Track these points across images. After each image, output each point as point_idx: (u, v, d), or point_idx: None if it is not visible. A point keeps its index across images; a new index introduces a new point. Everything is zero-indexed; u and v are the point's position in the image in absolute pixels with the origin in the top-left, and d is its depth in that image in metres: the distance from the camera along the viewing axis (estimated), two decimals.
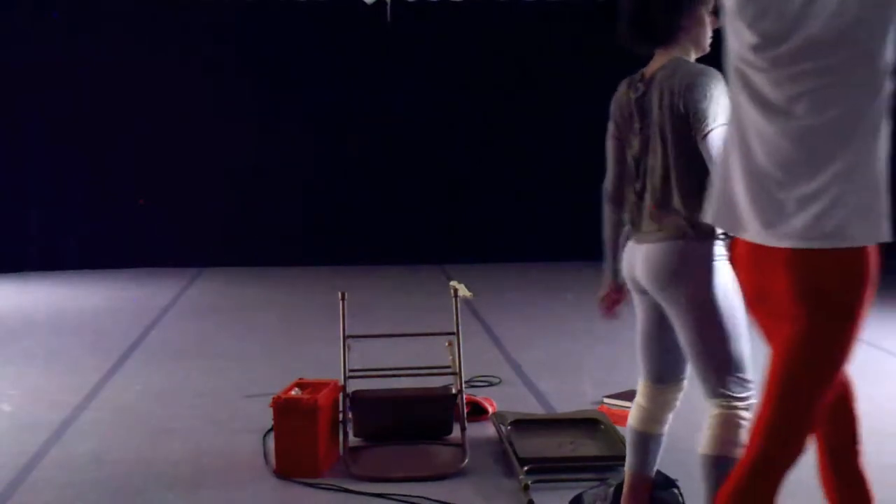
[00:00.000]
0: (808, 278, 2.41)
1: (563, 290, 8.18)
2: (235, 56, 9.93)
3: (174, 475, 4.25)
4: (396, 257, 9.97)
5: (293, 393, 4.34)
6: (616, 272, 3.37)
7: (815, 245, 2.38)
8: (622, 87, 3.29)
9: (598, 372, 5.93)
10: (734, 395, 3.18)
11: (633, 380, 5.59)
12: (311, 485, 4.10)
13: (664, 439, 3.42)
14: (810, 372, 2.48)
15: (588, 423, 4.69)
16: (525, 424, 4.59)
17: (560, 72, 9.76)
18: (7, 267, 9.78)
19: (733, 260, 2.65)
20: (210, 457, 4.46)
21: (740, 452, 2.97)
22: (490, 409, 4.91)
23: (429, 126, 10.07)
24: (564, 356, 6.35)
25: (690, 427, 4.87)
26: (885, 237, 2.40)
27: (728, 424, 3.17)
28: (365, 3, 9.77)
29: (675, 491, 3.65)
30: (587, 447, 4.43)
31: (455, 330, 4.58)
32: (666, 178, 3.10)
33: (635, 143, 3.21)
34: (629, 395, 5.26)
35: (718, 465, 3.13)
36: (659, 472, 3.57)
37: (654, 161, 3.13)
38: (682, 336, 3.16)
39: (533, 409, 5.12)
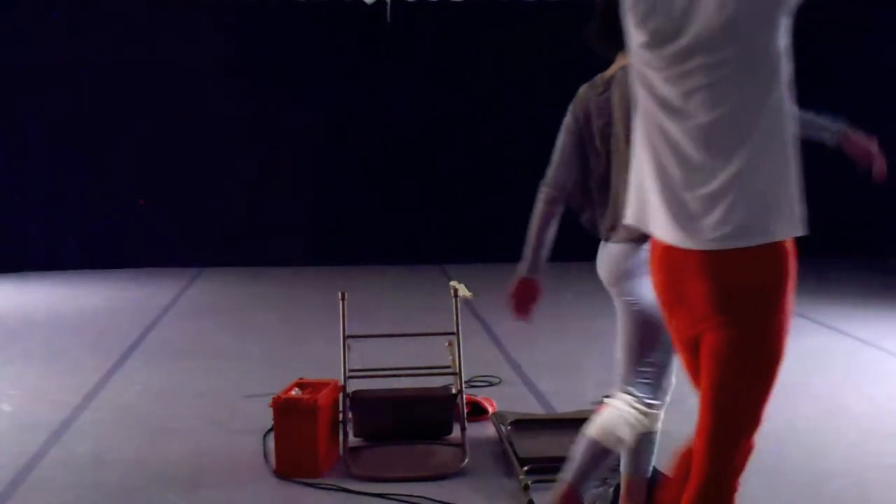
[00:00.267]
0: (723, 281, 2.36)
1: (563, 290, 8.18)
2: (235, 56, 9.93)
3: (174, 475, 4.25)
4: (396, 257, 9.97)
5: (293, 393, 4.34)
6: (533, 267, 3.34)
7: (725, 246, 2.33)
8: (582, 89, 3.32)
9: (598, 372, 5.92)
10: (645, 399, 3.24)
11: None
12: (311, 485, 4.10)
13: (657, 437, 3.42)
14: (749, 378, 2.44)
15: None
16: (525, 424, 4.59)
17: (560, 72, 9.75)
18: (7, 267, 9.78)
19: (651, 261, 2.57)
20: (210, 457, 4.46)
21: (616, 445, 3.15)
22: (490, 409, 4.91)
23: (429, 126, 10.06)
24: (564, 356, 6.35)
25: (691, 426, 4.87)
26: (798, 231, 2.35)
27: (621, 421, 3.23)
28: (365, 3, 9.76)
29: None
30: None
31: (455, 330, 4.58)
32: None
33: (600, 145, 3.23)
34: None
35: (596, 450, 3.23)
36: (657, 470, 3.58)
37: (619, 160, 3.15)
38: (620, 335, 3.22)
39: (533, 409, 5.12)
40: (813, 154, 10.29)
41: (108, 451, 4.56)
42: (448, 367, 4.65)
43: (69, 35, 9.82)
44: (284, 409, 4.21)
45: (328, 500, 4.01)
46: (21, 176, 9.99)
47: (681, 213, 2.37)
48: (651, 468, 3.46)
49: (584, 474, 3.27)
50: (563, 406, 5.15)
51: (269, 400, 4.32)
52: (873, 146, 2.81)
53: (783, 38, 2.31)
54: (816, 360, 6.22)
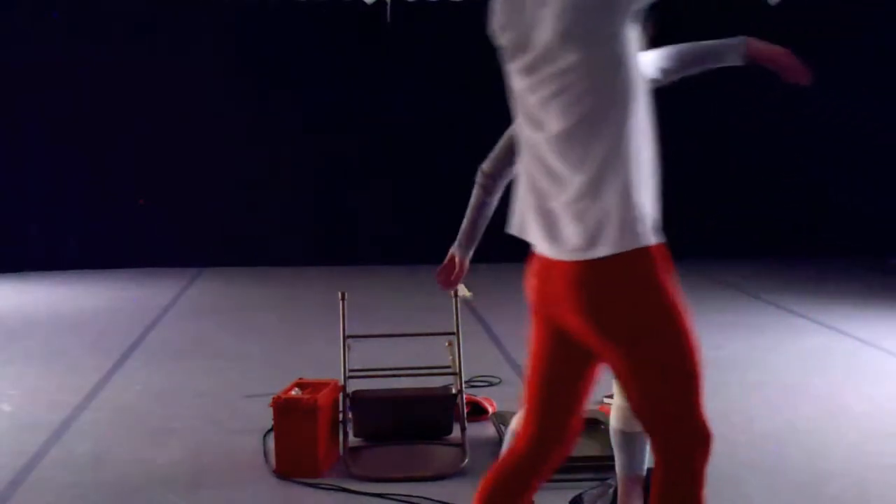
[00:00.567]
0: (589, 291, 2.34)
1: None
2: (235, 56, 9.93)
3: (174, 475, 4.25)
4: (396, 257, 9.97)
5: (293, 393, 4.34)
6: (459, 246, 3.40)
7: (583, 256, 2.33)
8: None
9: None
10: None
11: None
12: (311, 485, 4.10)
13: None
14: (657, 387, 2.41)
15: (588, 423, 4.67)
16: None
17: None
18: (7, 267, 9.78)
19: (529, 271, 2.55)
20: (210, 457, 4.46)
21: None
22: (490, 409, 4.91)
23: (429, 126, 10.07)
24: None
25: None
26: (650, 240, 2.35)
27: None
28: (365, 3, 9.76)
29: None
30: (587, 447, 4.41)
31: (455, 330, 4.58)
32: None
33: None
34: None
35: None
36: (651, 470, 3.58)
37: None
38: None
39: None
40: (813, 154, 10.26)
41: (108, 451, 4.56)
42: (448, 367, 4.65)
43: (69, 35, 9.83)
44: (284, 409, 4.21)
45: (328, 500, 4.01)
46: (21, 176, 9.99)
47: (547, 223, 2.40)
48: (646, 467, 3.46)
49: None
50: None
51: (269, 400, 4.32)
52: (784, 50, 2.73)
53: (629, 47, 2.31)
54: (816, 360, 6.22)
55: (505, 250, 3.94)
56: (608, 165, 2.31)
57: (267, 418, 4.44)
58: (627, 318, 2.35)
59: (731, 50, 2.89)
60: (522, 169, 2.48)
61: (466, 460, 4.27)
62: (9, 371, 6.09)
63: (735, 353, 6.42)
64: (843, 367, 6.06)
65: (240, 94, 9.96)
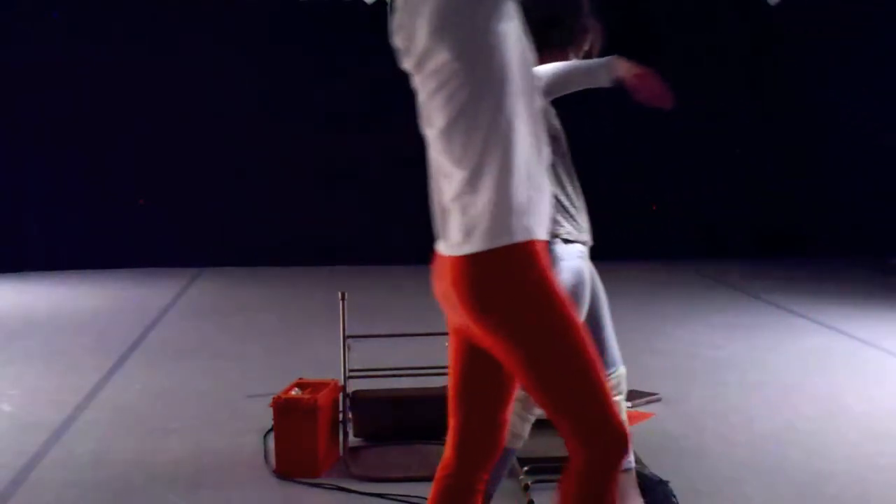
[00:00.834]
0: (466, 285, 2.38)
1: None
2: (235, 56, 9.94)
3: (174, 475, 4.25)
4: (396, 257, 9.97)
5: (293, 393, 4.34)
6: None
7: (460, 251, 2.37)
8: None
9: None
10: None
11: (633, 380, 5.60)
12: (311, 485, 4.10)
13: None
14: (543, 378, 2.39)
15: None
16: None
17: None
18: (7, 267, 9.79)
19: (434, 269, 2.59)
20: (210, 457, 4.46)
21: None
22: None
23: None
24: None
25: (690, 426, 4.88)
26: (528, 236, 2.35)
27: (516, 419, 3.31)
28: (365, 3, 9.76)
29: (667, 489, 3.67)
30: None
31: None
32: None
33: None
34: (629, 395, 5.27)
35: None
36: (648, 472, 3.60)
37: None
38: None
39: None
40: (813, 155, 10.26)
41: (108, 451, 4.56)
42: (448, 367, 4.64)
43: (69, 35, 9.83)
44: (284, 409, 4.21)
45: (328, 500, 4.01)
46: (21, 176, 10.00)
47: (442, 221, 2.47)
48: (633, 461, 3.47)
49: (490, 479, 3.31)
50: None
51: (269, 400, 4.32)
52: (649, 72, 2.70)
53: (503, 42, 2.33)
54: (816, 360, 6.22)
55: None
56: (485, 160, 2.35)
57: (267, 418, 4.44)
58: (505, 315, 2.35)
59: (602, 69, 2.82)
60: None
61: None
62: (9, 371, 6.09)
63: (735, 353, 6.42)
64: (843, 367, 6.06)
65: (240, 94, 9.96)
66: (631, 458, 3.45)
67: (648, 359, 6.24)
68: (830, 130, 10.39)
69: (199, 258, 10.13)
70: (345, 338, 4.47)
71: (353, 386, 4.53)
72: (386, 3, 10.80)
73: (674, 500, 3.65)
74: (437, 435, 4.56)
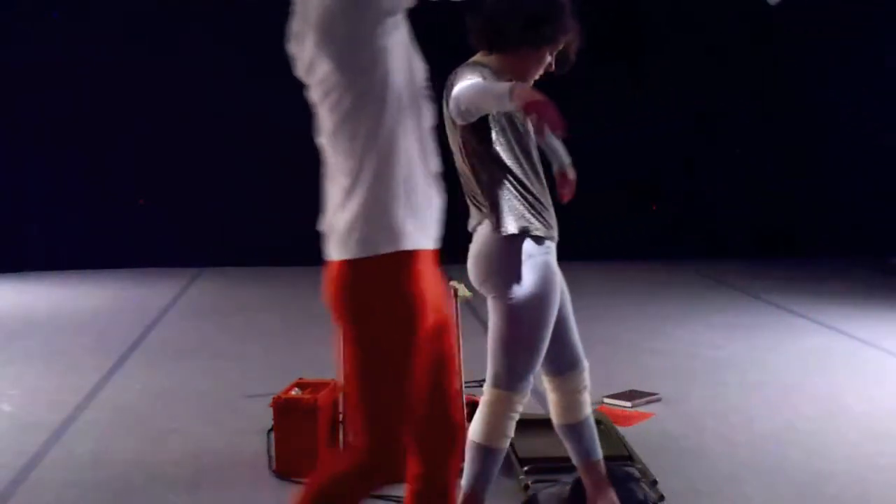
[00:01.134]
0: (334, 288, 2.47)
1: None
2: (235, 56, 9.93)
3: (174, 475, 4.25)
4: None
5: (293, 393, 4.34)
6: (556, 161, 3.66)
7: (335, 256, 2.46)
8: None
9: (598, 372, 5.92)
10: (497, 390, 3.28)
11: (633, 380, 5.61)
12: None
13: (591, 420, 3.49)
14: (373, 385, 2.46)
15: None
16: (525, 424, 4.57)
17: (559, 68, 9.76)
18: (7, 267, 9.79)
19: None
20: (210, 457, 4.46)
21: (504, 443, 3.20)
22: None
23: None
24: None
25: (690, 426, 4.88)
26: (405, 245, 2.42)
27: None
28: None
29: (636, 485, 3.75)
30: None
31: (455, 330, 4.57)
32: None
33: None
34: (629, 395, 5.28)
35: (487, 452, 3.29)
36: (617, 467, 3.63)
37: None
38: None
39: (533, 409, 5.11)
40: (813, 155, 10.26)
41: (108, 451, 4.56)
42: None
43: (69, 35, 9.83)
44: (284, 409, 4.21)
45: None
46: (21, 176, 10.00)
47: (329, 224, 2.53)
48: (600, 451, 3.51)
49: (480, 478, 3.30)
50: None
51: (270, 400, 4.32)
52: (545, 100, 2.68)
53: (386, 54, 2.40)
54: (816, 360, 6.22)
55: None
56: (363, 170, 2.42)
57: (267, 418, 4.44)
58: (358, 317, 2.44)
59: (505, 96, 2.81)
60: None
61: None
62: (9, 371, 6.09)
63: (735, 353, 6.42)
64: (843, 367, 6.06)
65: (240, 94, 9.96)
66: (595, 447, 3.50)
67: (648, 359, 6.25)
68: (830, 130, 10.39)
69: (199, 258, 10.13)
70: None
71: None
72: None
73: (643, 493, 3.70)
74: None
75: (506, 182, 3.13)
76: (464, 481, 3.33)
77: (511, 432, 3.30)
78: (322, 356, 5.38)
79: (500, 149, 3.16)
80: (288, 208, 10.20)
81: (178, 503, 3.96)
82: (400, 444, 2.49)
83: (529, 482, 3.90)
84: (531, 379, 3.29)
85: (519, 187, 3.17)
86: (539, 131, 2.71)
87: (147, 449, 4.58)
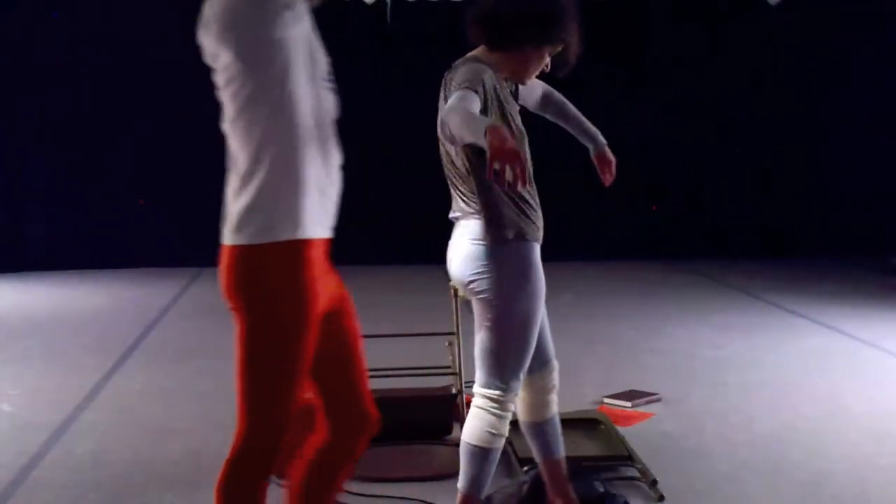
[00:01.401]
0: (228, 273, 2.53)
1: (563, 290, 8.18)
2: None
3: (174, 475, 4.25)
4: (396, 257, 9.97)
5: None
6: (590, 143, 3.72)
7: (227, 241, 2.52)
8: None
9: (598, 372, 5.92)
10: (490, 390, 3.29)
11: (633, 380, 5.61)
12: None
13: (557, 419, 3.53)
14: (254, 370, 2.58)
15: (588, 423, 4.69)
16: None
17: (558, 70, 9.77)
18: (7, 267, 9.78)
19: None
20: (210, 457, 4.45)
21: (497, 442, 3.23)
22: None
23: (429, 126, 10.03)
24: (564, 356, 6.31)
25: (690, 426, 4.88)
26: (297, 235, 2.50)
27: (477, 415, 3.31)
28: (365, 3, 9.76)
29: (596, 480, 3.81)
30: (587, 447, 4.42)
31: (455, 330, 4.58)
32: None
33: None
34: (629, 395, 5.28)
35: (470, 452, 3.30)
36: (577, 463, 3.75)
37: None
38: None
39: None
40: (814, 155, 10.26)
41: (108, 451, 4.56)
42: (448, 367, 4.65)
43: (69, 35, 9.82)
44: None
45: None
46: (21, 176, 9.99)
47: (226, 209, 2.58)
48: (562, 449, 3.53)
49: (476, 480, 3.30)
50: (563, 406, 5.12)
51: None
52: (513, 151, 2.66)
53: (285, 49, 2.47)
54: (816, 360, 6.22)
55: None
56: (259, 159, 2.48)
57: None
58: (247, 303, 2.51)
59: (480, 133, 2.77)
60: None
61: None
62: (9, 371, 6.09)
63: (735, 353, 6.42)
64: (843, 367, 6.06)
65: None
66: (558, 446, 3.52)
67: (648, 359, 6.25)
68: (830, 130, 10.39)
69: (199, 258, 10.10)
70: None
71: None
72: (386, 3, 10.86)
73: (602, 489, 3.75)
74: (437, 435, 4.58)
75: (499, 187, 3.12)
76: (460, 483, 3.33)
77: (505, 432, 3.30)
78: None
79: None
80: None
81: (177, 503, 3.96)
82: (277, 428, 2.63)
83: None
84: (521, 378, 3.30)
85: (512, 192, 3.17)
86: (500, 182, 2.70)
87: (147, 449, 4.58)
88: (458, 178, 3.29)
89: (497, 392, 3.26)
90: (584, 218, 9.84)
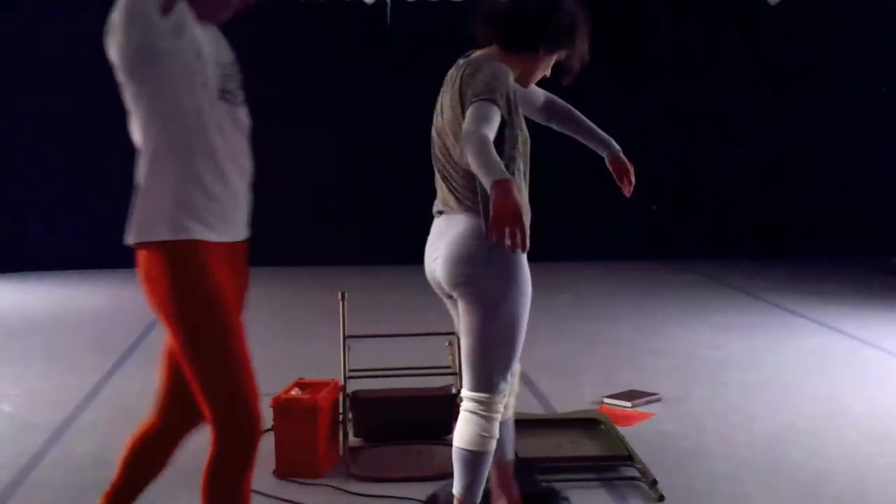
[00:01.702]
0: (142, 274, 2.72)
1: (563, 290, 8.18)
2: (235, 56, 9.92)
3: (174, 475, 4.24)
4: (396, 257, 9.96)
5: (293, 393, 4.34)
6: (604, 149, 3.67)
7: (127, 241, 2.70)
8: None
9: (598, 372, 5.93)
10: (480, 393, 3.26)
11: (633, 380, 5.61)
12: (310, 485, 4.09)
13: (512, 422, 3.54)
14: (196, 362, 2.79)
15: (588, 423, 4.69)
16: (525, 424, 4.59)
17: (559, 71, 9.76)
18: (7, 267, 9.78)
19: None
20: None
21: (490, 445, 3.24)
22: None
23: (428, 126, 10.03)
24: (564, 356, 6.34)
25: (690, 426, 4.88)
26: (192, 235, 2.62)
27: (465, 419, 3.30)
28: (365, 3, 9.76)
29: (539, 479, 3.86)
30: (587, 447, 4.43)
31: (455, 330, 4.57)
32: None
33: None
34: (629, 395, 5.28)
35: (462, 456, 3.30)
36: (522, 464, 3.75)
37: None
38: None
39: (533, 409, 5.12)
40: (814, 155, 10.26)
41: (108, 451, 4.55)
42: (448, 367, 4.65)
43: (69, 35, 9.82)
44: (284, 409, 4.21)
45: (328, 500, 4.01)
46: (21, 176, 9.99)
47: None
48: (512, 453, 3.55)
49: (472, 484, 3.30)
50: (563, 406, 5.15)
51: (269, 400, 4.31)
52: (513, 215, 2.70)
53: (164, 63, 2.66)
54: (816, 360, 6.22)
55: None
56: (156, 160, 2.65)
57: (267, 418, 4.43)
58: (158, 302, 2.73)
59: (489, 183, 2.80)
60: None
61: None
62: (9, 371, 6.09)
63: (735, 353, 6.42)
64: (843, 367, 6.06)
65: None
66: (510, 449, 3.53)
67: (648, 359, 6.25)
68: (830, 130, 10.39)
69: None
70: (345, 338, 4.48)
71: (353, 386, 4.53)
72: (386, 3, 10.85)
73: (542, 484, 3.78)
74: (437, 435, 4.58)
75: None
76: (455, 489, 3.32)
77: (496, 434, 3.29)
78: (322, 356, 5.38)
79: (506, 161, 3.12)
80: (288, 208, 10.22)
81: (177, 503, 3.96)
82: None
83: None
84: (509, 378, 3.29)
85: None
86: (499, 245, 2.71)
87: None
88: (455, 171, 3.28)
89: (486, 395, 3.25)
90: (585, 218, 9.84)
